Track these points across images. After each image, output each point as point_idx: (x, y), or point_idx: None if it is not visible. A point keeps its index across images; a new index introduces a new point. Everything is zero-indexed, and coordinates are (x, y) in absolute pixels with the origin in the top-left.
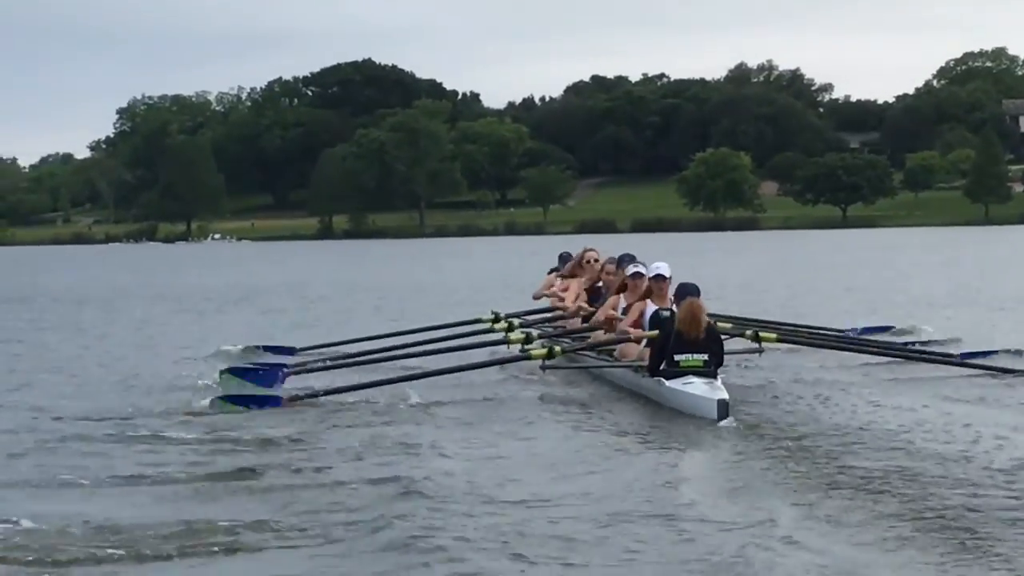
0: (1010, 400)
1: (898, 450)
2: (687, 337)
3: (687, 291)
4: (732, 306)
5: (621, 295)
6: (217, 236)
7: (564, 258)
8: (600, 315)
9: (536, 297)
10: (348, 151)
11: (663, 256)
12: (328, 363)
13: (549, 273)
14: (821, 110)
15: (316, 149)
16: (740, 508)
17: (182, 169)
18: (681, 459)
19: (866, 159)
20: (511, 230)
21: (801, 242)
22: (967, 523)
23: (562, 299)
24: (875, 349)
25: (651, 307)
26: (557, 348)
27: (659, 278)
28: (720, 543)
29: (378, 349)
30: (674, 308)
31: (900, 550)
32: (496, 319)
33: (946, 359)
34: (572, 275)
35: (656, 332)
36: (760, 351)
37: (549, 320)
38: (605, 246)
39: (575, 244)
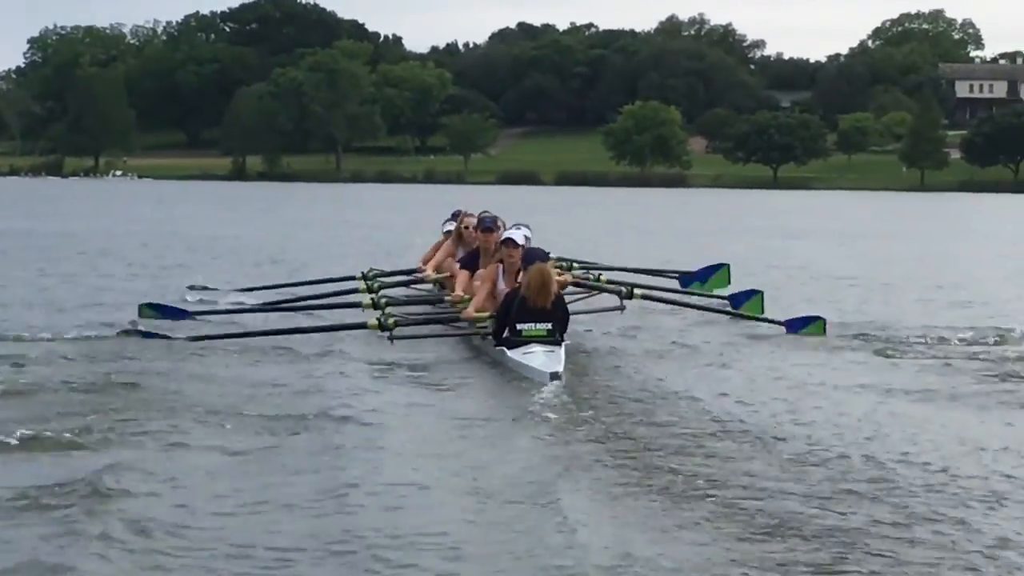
0: (857, 369)
1: (726, 431)
2: (532, 305)
3: (535, 256)
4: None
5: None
6: (118, 173)
7: (456, 215)
8: (460, 282)
9: (423, 261)
10: (264, 90)
11: (586, 210)
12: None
13: (444, 231)
14: (752, 67)
15: (231, 87)
16: (530, 486)
17: (92, 102)
18: (491, 433)
19: (799, 118)
20: (430, 178)
21: (731, 203)
22: (763, 509)
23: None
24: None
25: (503, 278)
26: (390, 321)
27: (508, 243)
28: (497, 521)
29: (247, 307)
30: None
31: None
32: (366, 278)
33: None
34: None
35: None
36: (622, 309)
37: (422, 280)
38: (528, 198)
39: (497, 194)
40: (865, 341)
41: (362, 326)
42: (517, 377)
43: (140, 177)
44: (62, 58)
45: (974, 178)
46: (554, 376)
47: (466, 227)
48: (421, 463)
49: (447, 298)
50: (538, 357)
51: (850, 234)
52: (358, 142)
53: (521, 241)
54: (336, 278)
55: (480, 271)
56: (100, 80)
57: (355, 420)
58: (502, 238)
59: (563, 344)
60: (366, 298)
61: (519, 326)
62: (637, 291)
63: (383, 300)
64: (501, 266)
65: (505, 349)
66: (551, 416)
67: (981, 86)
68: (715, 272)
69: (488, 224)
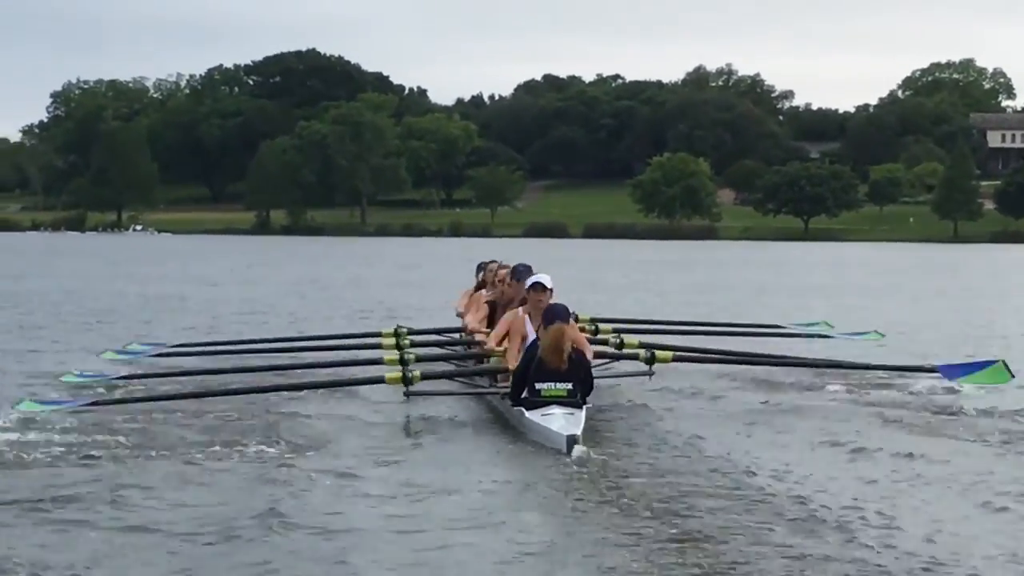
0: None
1: (755, 508)
2: (550, 365)
3: (555, 315)
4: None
5: (519, 311)
6: (139, 228)
7: (482, 267)
8: (492, 337)
9: (458, 313)
10: (289, 144)
11: (615, 265)
12: (163, 369)
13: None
14: (781, 118)
15: (256, 140)
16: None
17: (114, 156)
18: (498, 502)
19: (830, 169)
20: (456, 231)
21: (775, 255)
22: None
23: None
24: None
25: (530, 325)
26: (416, 373)
27: (537, 287)
28: None
29: (248, 351)
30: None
31: None
32: (395, 334)
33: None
34: (480, 288)
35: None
36: (651, 374)
37: (455, 343)
38: (556, 252)
39: (523, 248)
40: None
41: (378, 380)
42: (534, 442)
43: (161, 232)
44: (85, 112)
45: (1008, 228)
46: (571, 440)
47: (497, 277)
48: (421, 536)
49: (478, 338)
50: (557, 420)
51: (947, 290)
52: (383, 195)
53: (549, 285)
54: (361, 334)
55: (507, 319)
56: (123, 134)
57: (355, 491)
58: (528, 283)
59: (584, 407)
60: (391, 354)
61: (538, 385)
62: (662, 353)
63: (412, 356)
64: (528, 316)
65: (524, 410)
66: (562, 493)
67: (1013, 136)
68: (983, 369)
69: (522, 274)
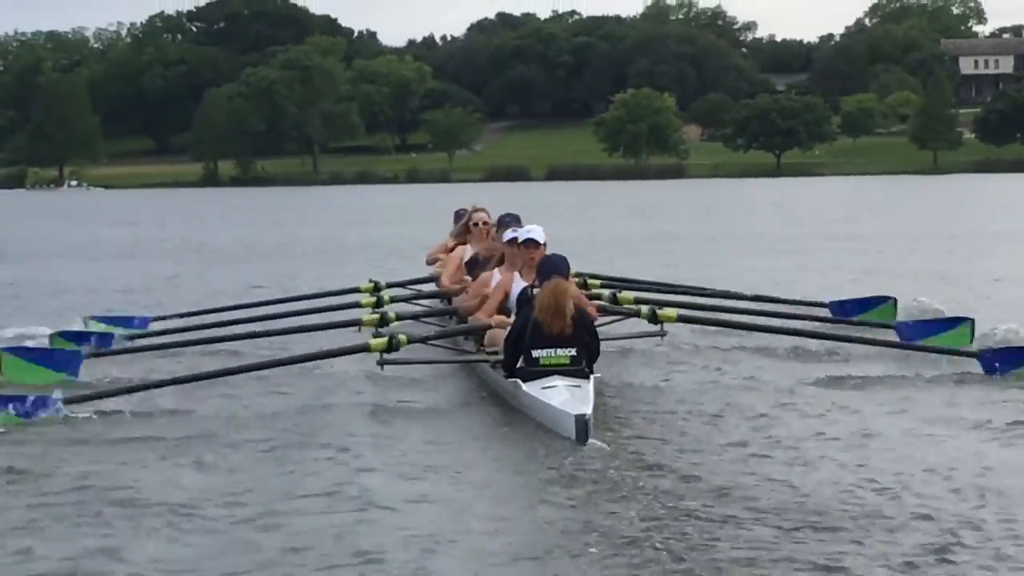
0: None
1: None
2: (549, 329)
3: (552, 268)
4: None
5: (498, 269)
6: (74, 183)
7: (460, 215)
8: (470, 295)
9: (428, 262)
10: (235, 91)
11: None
12: (140, 343)
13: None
14: (744, 50)
15: (201, 89)
16: None
17: (55, 110)
18: (488, 509)
19: (802, 101)
20: (413, 177)
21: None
22: None
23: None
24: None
25: (519, 283)
26: (402, 337)
27: (530, 244)
28: None
29: (221, 323)
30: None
31: None
32: (375, 289)
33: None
34: (460, 242)
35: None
36: (662, 334)
37: (434, 294)
38: (518, 197)
39: (486, 193)
40: None
41: (363, 349)
42: (532, 421)
43: (105, 187)
44: (23, 65)
45: (989, 158)
46: (579, 421)
47: (475, 223)
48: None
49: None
50: (560, 394)
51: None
52: (335, 142)
53: (542, 239)
54: (337, 291)
55: (488, 276)
56: (63, 86)
57: (316, 484)
58: (521, 239)
59: (592, 377)
60: (368, 315)
61: (535, 353)
62: (666, 312)
63: (392, 315)
64: (518, 274)
65: (520, 382)
66: (574, 490)
67: (986, 62)
68: (875, 307)
69: (508, 225)
